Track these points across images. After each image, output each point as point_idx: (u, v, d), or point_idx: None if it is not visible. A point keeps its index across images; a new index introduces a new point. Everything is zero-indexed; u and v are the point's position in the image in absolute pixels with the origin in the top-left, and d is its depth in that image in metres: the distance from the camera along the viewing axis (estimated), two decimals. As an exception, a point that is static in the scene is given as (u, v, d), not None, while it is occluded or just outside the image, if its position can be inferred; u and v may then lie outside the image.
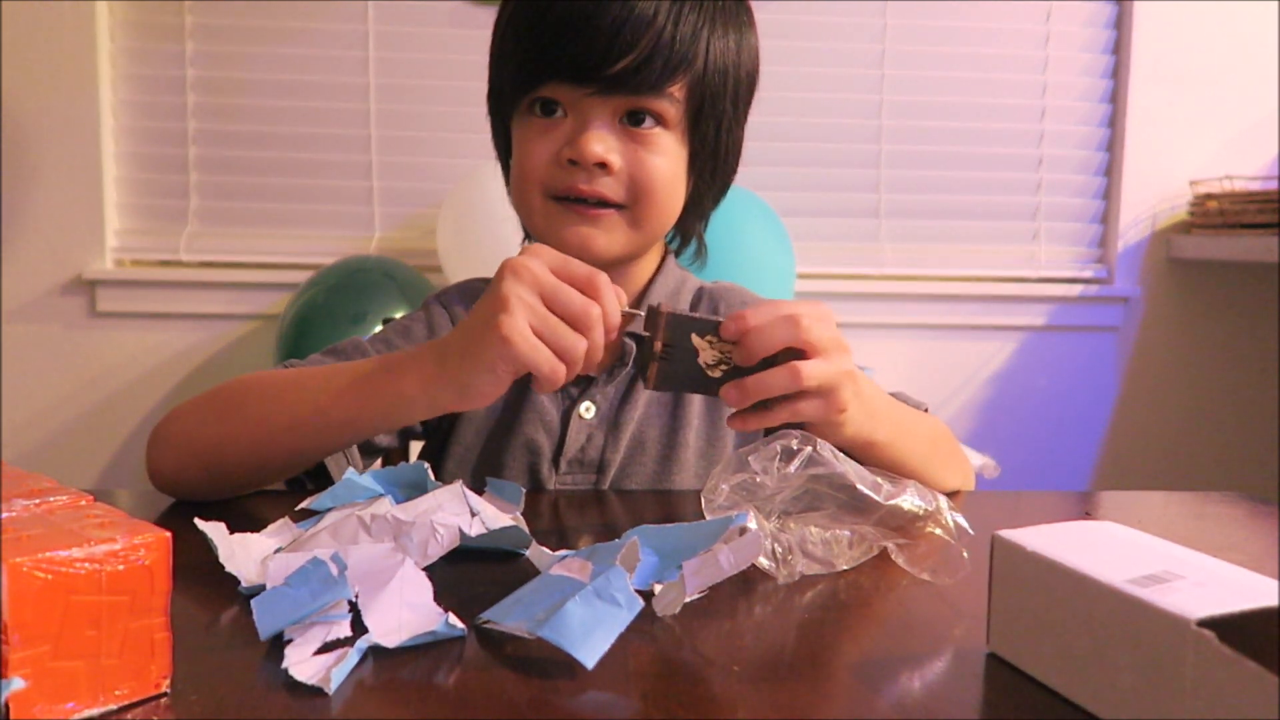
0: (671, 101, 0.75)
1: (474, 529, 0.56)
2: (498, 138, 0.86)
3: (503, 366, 0.59)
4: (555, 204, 0.77)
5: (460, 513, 0.56)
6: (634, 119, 0.75)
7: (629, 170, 0.76)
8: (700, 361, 0.61)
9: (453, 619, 0.46)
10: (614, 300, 0.61)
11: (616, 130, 0.75)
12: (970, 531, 0.54)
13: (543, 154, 0.76)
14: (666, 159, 0.77)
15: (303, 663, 0.42)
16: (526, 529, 0.58)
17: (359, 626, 0.45)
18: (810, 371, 0.60)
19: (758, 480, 0.54)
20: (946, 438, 0.80)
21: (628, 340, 0.82)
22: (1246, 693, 0.32)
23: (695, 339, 0.60)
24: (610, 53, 0.71)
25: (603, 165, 0.74)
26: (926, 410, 0.83)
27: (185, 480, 0.71)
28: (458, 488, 0.59)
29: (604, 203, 0.76)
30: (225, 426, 0.70)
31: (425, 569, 0.50)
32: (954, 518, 0.54)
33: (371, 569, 0.48)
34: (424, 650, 0.45)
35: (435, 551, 0.54)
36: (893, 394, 0.83)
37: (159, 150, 1.95)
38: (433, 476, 0.62)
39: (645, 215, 0.78)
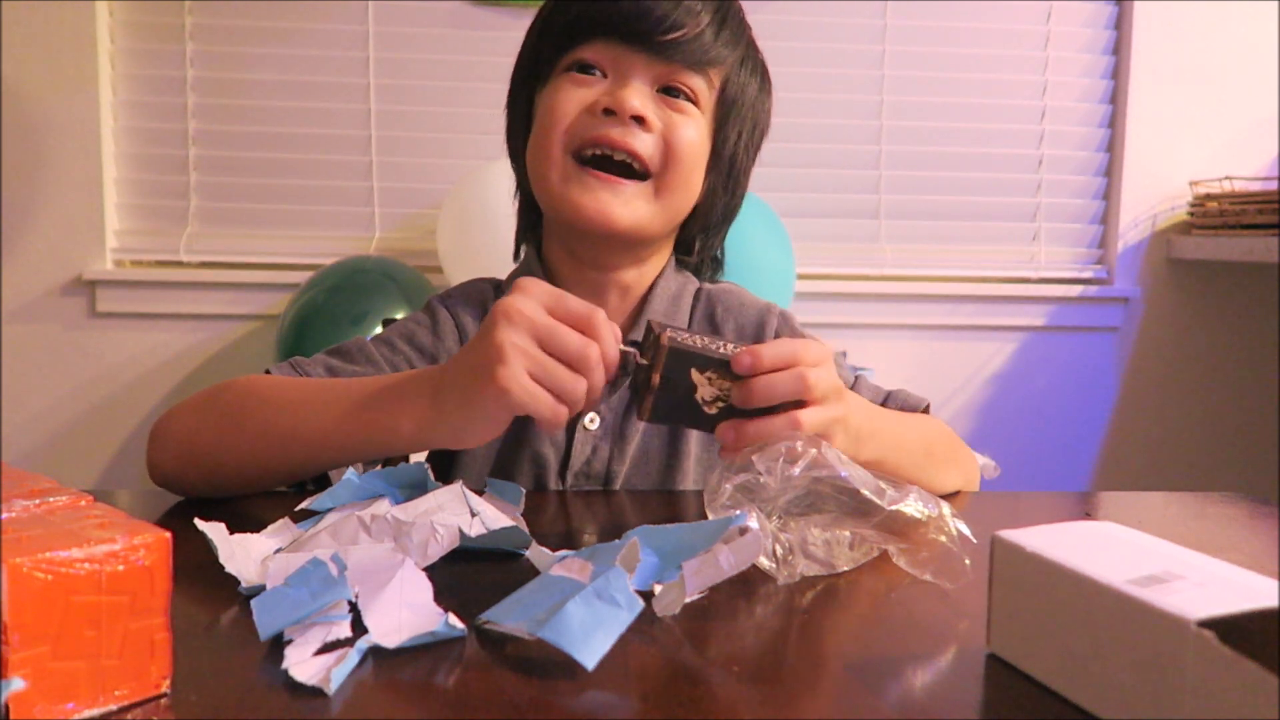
0: (708, 84, 0.79)
1: (474, 529, 0.55)
2: (516, 120, 0.85)
3: (502, 415, 0.59)
4: (576, 165, 0.77)
5: (460, 513, 0.56)
6: (669, 90, 0.78)
7: (663, 132, 0.77)
8: (697, 397, 0.59)
9: (453, 619, 0.46)
10: (611, 338, 0.60)
11: (655, 96, 0.78)
12: (973, 540, 0.53)
13: (576, 103, 0.77)
14: (697, 132, 0.79)
15: (303, 663, 0.42)
16: (526, 529, 0.58)
17: (359, 627, 0.45)
18: (810, 420, 0.60)
19: (761, 480, 0.54)
20: (945, 441, 0.79)
21: (627, 349, 0.82)
22: (1246, 693, 0.32)
23: (695, 374, 0.59)
24: (667, 20, 0.75)
25: (639, 120, 0.75)
26: (927, 407, 0.83)
27: (184, 480, 0.71)
28: (457, 488, 0.59)
29: (629, 170, 0.76)
30: (223, 435, 0.69)
31: (425, 569, 0.50)
32: (956, 525, 0.54)
33: (371, 569, 0.48)
34: (424, 650, 0.45)
35: (435, 552, 0.54)
36: (892, 392, 0.83)
37: (159, 151, 1.95)
38: (433, 477, 0.62)
39: (669, 185, 0.78)
